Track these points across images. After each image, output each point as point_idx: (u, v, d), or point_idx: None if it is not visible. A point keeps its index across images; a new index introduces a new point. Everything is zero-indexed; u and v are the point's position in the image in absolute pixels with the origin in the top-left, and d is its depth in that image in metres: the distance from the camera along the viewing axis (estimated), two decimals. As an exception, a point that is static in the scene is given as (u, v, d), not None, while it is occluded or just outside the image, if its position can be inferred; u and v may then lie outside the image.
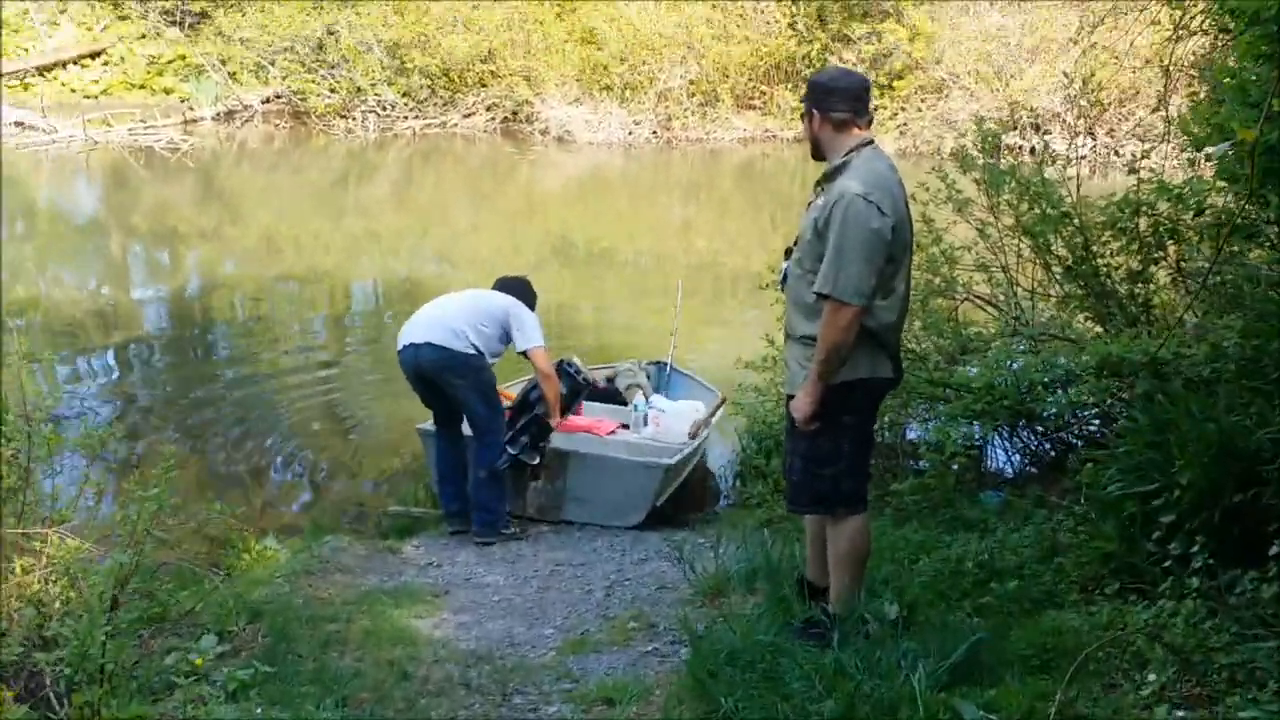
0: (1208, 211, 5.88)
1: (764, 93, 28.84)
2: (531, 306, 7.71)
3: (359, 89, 29.03)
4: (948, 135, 25.98)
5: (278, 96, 29.94)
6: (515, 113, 29.10)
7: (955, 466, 6.36)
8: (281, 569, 6.20)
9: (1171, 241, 6.47)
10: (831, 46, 27.88)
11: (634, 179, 26.21)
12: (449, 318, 7.44)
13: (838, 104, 4.67)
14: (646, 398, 9.30)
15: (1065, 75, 7.51)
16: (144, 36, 31.43)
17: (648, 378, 10.08)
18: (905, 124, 26.49)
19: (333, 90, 29.06)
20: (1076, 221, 6.50)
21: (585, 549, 7.00)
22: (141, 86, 30.18)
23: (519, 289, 7.76)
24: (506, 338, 7.52)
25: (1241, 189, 5.39)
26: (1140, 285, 6.58)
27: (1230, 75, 5.22)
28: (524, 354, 7.55)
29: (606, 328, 14.09)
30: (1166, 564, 4.57)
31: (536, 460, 7.63)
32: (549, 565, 6.64)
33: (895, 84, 26.76)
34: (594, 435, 8.49)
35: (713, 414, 9.07)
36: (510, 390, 8.36)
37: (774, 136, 28.28)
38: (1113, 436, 5.69)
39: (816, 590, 5.00)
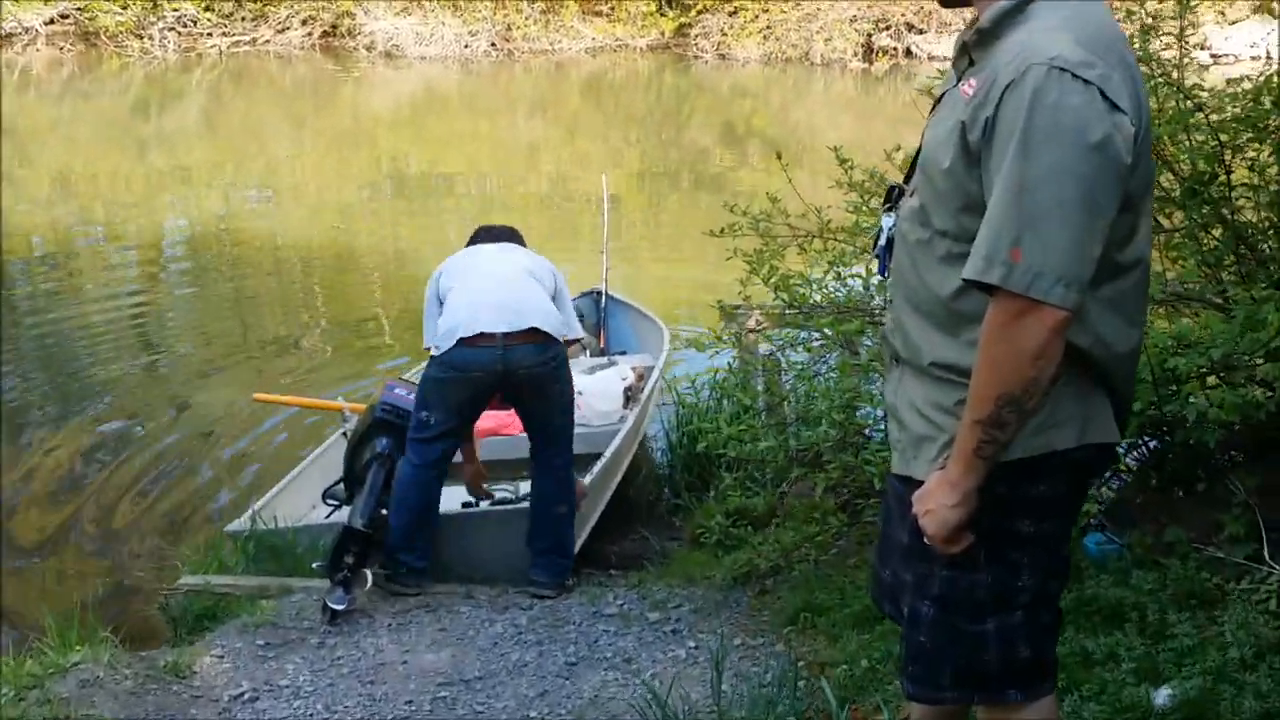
0: None
1: (612, -3, 26.45)
2: None
3: (155, 3, 25.91)
4: (817, 38, 23.98)
5: (63, 16, 26.70)
6: (335, 26, 26.42)
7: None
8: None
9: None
10: (686, -57, 25.60)
11: (472, 96, 23.88)
12: (531, 289, 5.24)
13: None
14: (586, 350, 7.50)
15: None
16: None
17: (580, 318, 7.91)
18: (769, 26, 24.41)
19: (125, 6, 25.84)
20: (1208, 118, 4.27)
21: (480, 642, 4.51)
22: (-99, 8, 26.69)
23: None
24: None
25: None
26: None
27: None
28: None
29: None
30: None
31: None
32: (427, 686, 4.15)
33: (758, -18, 24.59)
34: (503, 436, 6.30)
35: (646, 380, 6.97)
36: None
37: (624, 45, 26.09)
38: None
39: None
